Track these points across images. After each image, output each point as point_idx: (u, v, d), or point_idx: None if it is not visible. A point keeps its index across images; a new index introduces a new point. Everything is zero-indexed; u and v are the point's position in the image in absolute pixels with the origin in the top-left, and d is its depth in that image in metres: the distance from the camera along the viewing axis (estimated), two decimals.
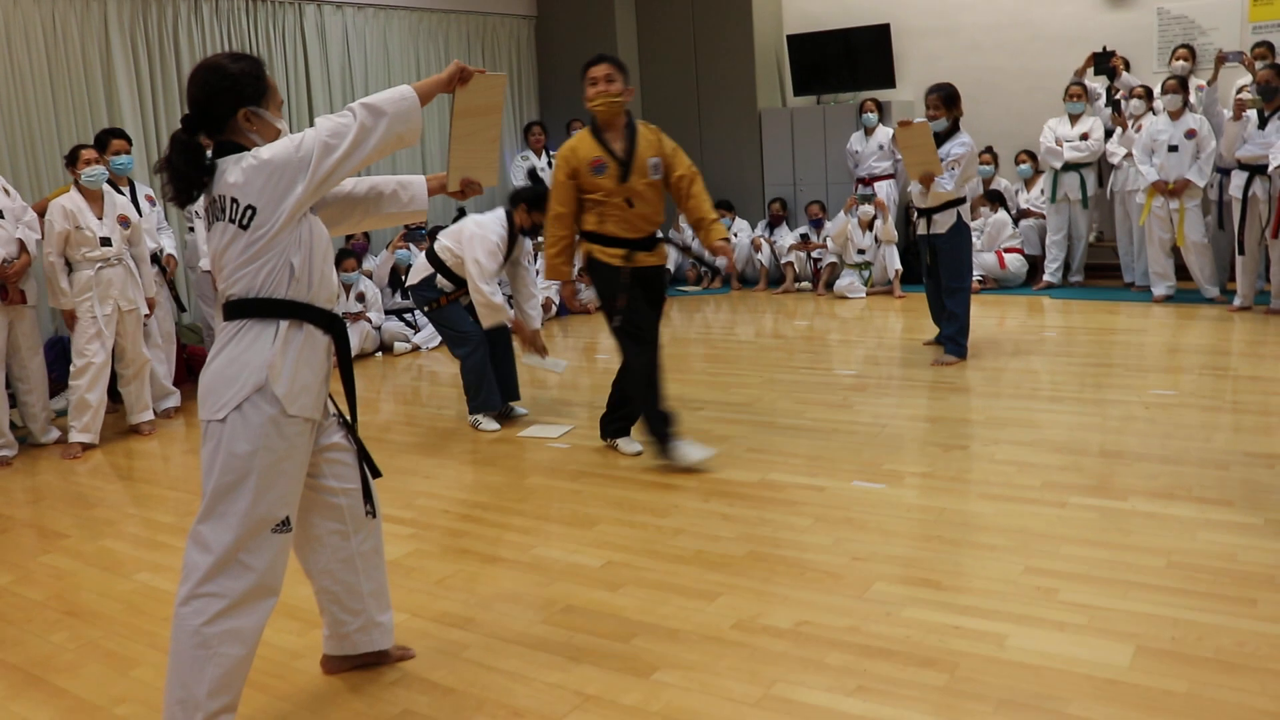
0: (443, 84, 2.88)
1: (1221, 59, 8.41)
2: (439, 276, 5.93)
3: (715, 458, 4.96)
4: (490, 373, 5.94)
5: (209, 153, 2.68)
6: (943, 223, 6.69)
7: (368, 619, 3.03)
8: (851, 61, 10.64)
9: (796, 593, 3.48)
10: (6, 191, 5.96)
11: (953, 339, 6.80)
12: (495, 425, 5.90)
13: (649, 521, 4.21)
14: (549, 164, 10.12)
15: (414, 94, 2.74)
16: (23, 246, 5.87)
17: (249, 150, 2.63)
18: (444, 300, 5.96)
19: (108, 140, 6.46)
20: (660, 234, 5.03)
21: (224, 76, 2.65)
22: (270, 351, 2.60)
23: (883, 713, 2.73)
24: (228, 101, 2.65)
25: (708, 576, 3.65)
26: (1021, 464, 4.65)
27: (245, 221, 2.58)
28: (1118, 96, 8.93)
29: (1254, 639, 2.97)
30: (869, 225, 9.60)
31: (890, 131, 9.81)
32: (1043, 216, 9.44)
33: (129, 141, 6.58)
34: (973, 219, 8.68)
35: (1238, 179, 7.65)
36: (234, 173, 2.58)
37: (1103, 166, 9.16)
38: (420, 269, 6.05)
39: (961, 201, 6.70)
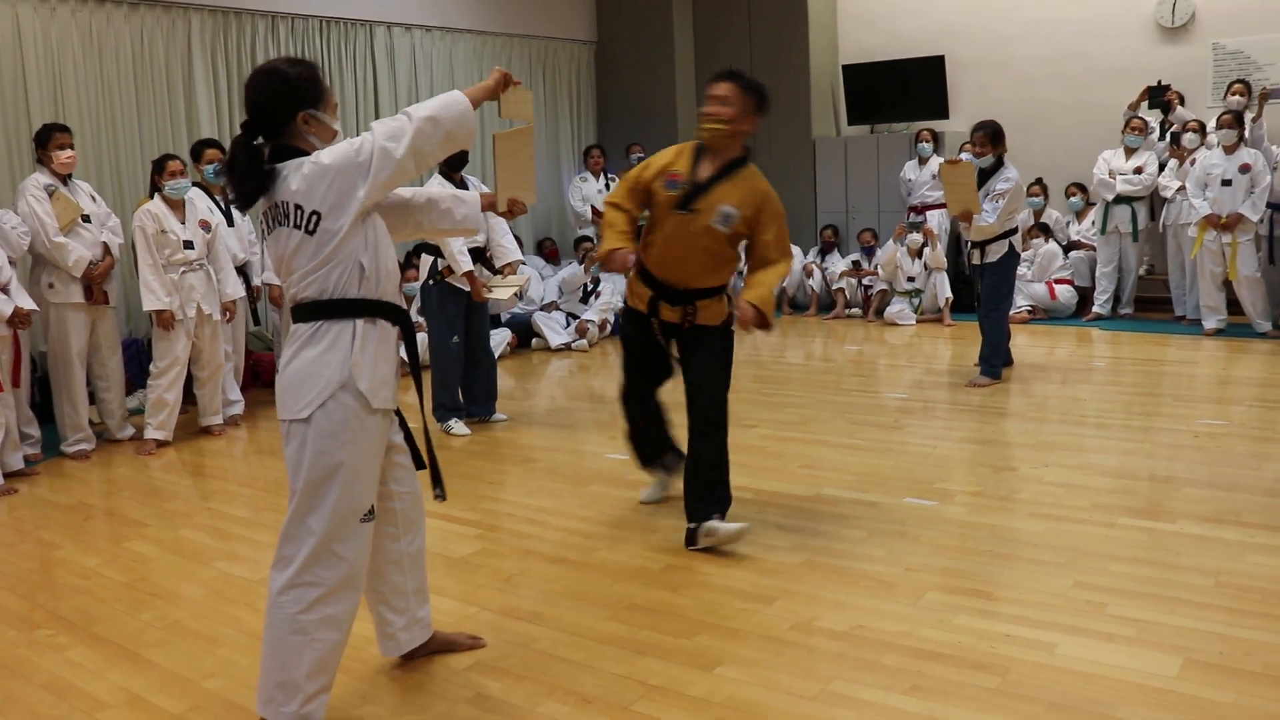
0: (490, 90, 2.97)
1: (1265, 95, 8.46)
2: (432, 257, 6.17)
3: (771, 470, 5.08)
4: (458, 375, 6.20)
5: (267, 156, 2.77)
6: (995, 253, 6.82)
7: (411, 616, 3.16)
8: (905, 92, 10.76)
9: (851, 599, 3.60)
10: (94, 198, 6.23)
11: (986, 359, 6.94)
12: (465, 430, 6.15)
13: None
14: (607, 186, 10.32)
15: (465, 98, 2.83)
16: (107, 249, 6.13)
17: (308, 155, 2.71)
18: (446, 273, 6.12)
19: (202, 150, 6.71)
20: (707, 293, 4.26)
21: (283, 80, 2.74)
22: (351, 349, 2.72)
23: (938, 710, 2.84)
24: (287, 105, 2.73)
25: (765, 581, 3.77)
26: (1070, 486, 4.73)
27: (312, 227, 2.67)
28: (1173, 129, 8.98)
29: None
30: (919, 253, 9.70)
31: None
32: (1093, 248, 9.49)
33: (223, 151, 6.81)
34: (1024, 250, 8.75)
35: None
36: (296, 179, 2.67)
37: (1155, 200, 9.20)
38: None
39: (1013, 233, 6.83)
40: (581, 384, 7.80)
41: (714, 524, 4.06)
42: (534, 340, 9.06)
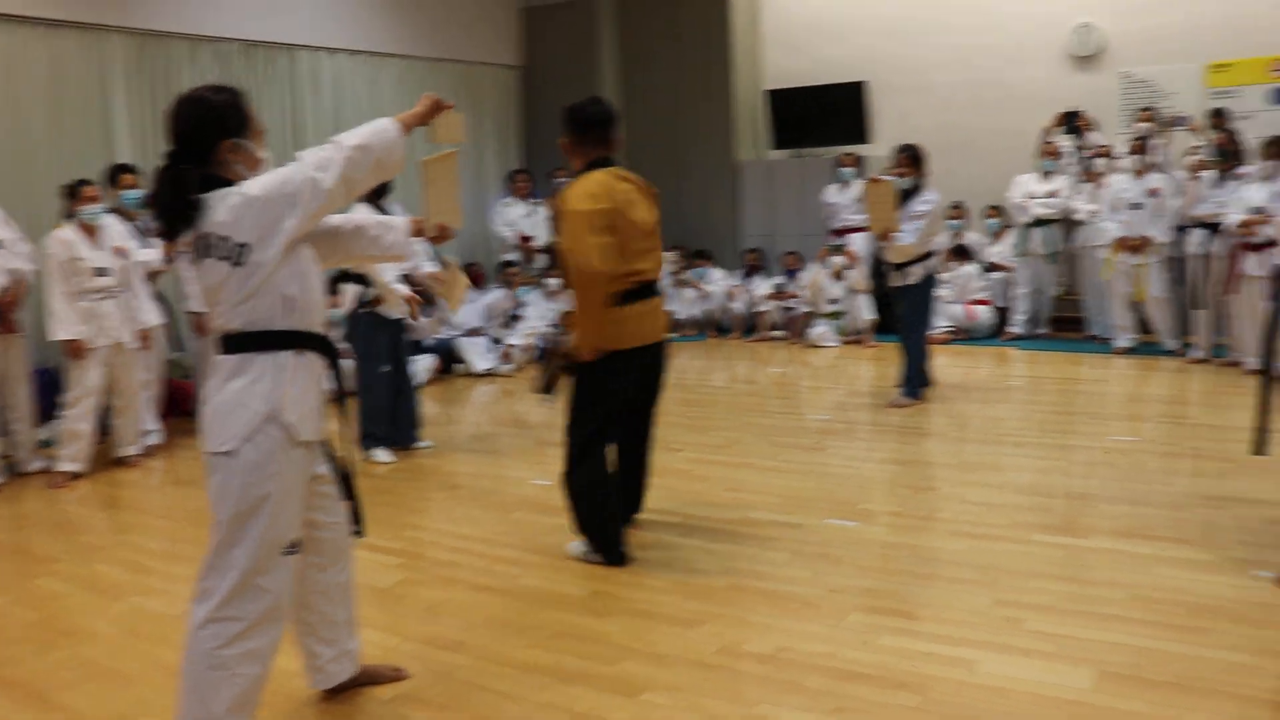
0: (420, 116, 2.93)
1: (1172, 122, 8.75)
2: (359, 286, 6.09)
3: (696, 494, 5.11)
4: (388, 404, 6.17)
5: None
6: (914, 276, 6.94)
7: (340, 648, 3.13)
8: (828, 117, 10.94)
9: (776, 621, 3.62)
10: (4, 223, 6.07)
11: (906, 380, 7.07)
12: (390, 457, 6.11)
13: (634, 554, 4.34)
14: (534, 210, 10.32)
15: (395, 125, 2.80)
16: (17, 276, 5.97)
17: (235, 185, 2.68)
18: (376, 302, 6.06)
19: (118, 175, 6.59)
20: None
21: (207, 108, 2.71)
22: (278, 381, 2.69)
23: None
24: (211, 133, 2.69)
25: (691, 605, 3.79)
26: (989, 504, 4.82)
27: (239, 259, 2.63)
28: (1086, 155, 9.24)
29: (1207, 664, 3.14)
30: (841, 275, 9.83)
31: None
32: (1011, 270, 9.70)
33: (139, 176, 6.68)
34: (943, 272, 8.92)
35: (1196, 236, 7.94)
36: (222, 210, 2.63)
37: (1069, 222, 9.44)
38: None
39: (930, 256, 6.96)
40: (506, 409, 7.77)
41: (572, 544, 4.34)
42: (457, 365, 9.00)
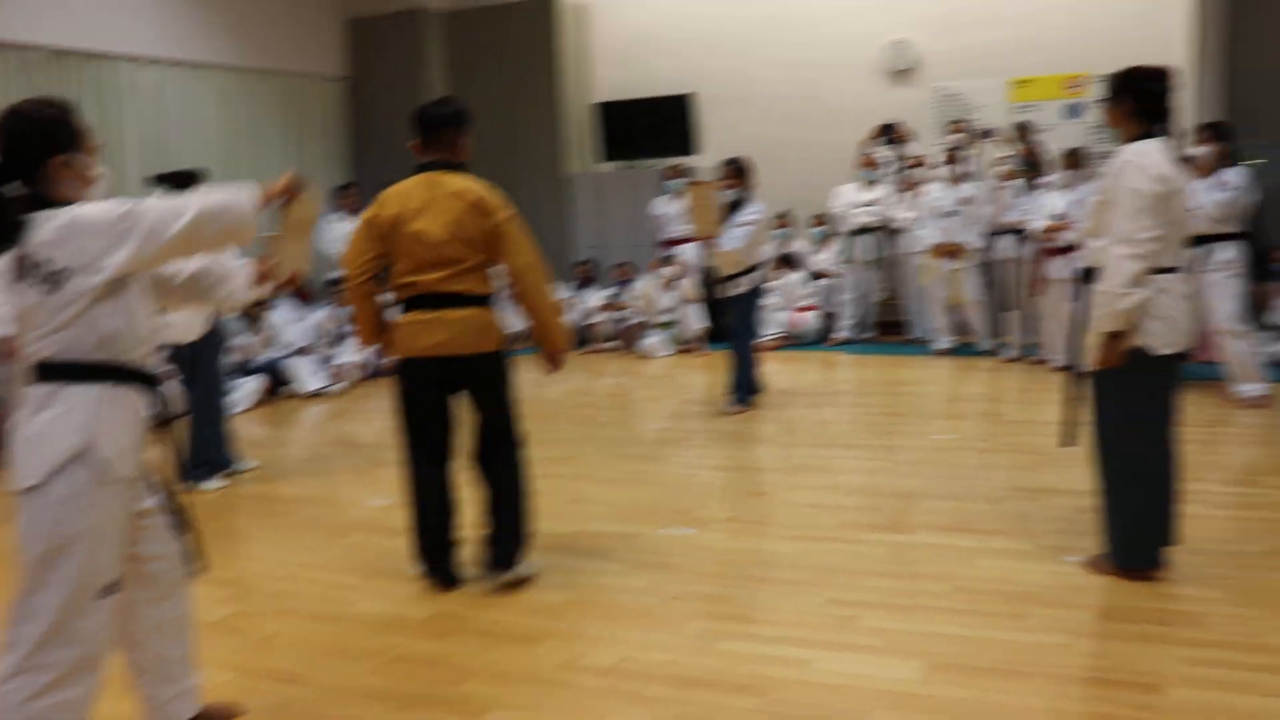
0: (277, 194, 2.88)
1: (982, 134, 9.23)
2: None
3: (537, 509, 5.09)
4: (221, 430, 6.00)
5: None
6: (742, 285, 7.11)
7: (180, 687, 2.98)
8: (656, 129, 11.11)
9: (616, 633, 3.65)
10: None
11: (736, 388, 7.22)
12: (223, 483, 5.93)
13: (471, 574, 4.29)
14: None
15: (255, 198, 2.72)
16: None
17: (64, 205, 2.56)
18: None
19: None
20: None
21: (32, 123, 2.58)
22: (90, 414, 2.56)
23: None
24: (37, 149, 2.57)
25: (531, 622, 3.78)
26: (820, 506, 4.97)
27: (59, 282, 2.50)
28: (903, 165, 9.64)
29: (1026, 648, 3.32)
30: (672, 285, 9.98)
31: None
32: (836, 277, 10.03)
33: None
34: (770, 281, 9.15)
35: (1005, 242, 8.38)
36: (46, 231, 2.50)
37: (890, 230, 9.82)
38: None
39: (757, 267, 7.15)
40: (336, 429, 7.60)
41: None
42: (284, 387, 8.75)
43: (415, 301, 4.01)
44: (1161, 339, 3.62)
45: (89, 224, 2.52)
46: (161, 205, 2.59)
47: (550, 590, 4.07)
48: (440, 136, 4.15)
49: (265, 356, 8.60)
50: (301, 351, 8.97)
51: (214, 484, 5.86)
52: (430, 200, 4.00)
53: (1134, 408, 3.71)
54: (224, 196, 2.67)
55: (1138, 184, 3.52)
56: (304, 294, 9.83)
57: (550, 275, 4.39)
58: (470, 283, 4.02)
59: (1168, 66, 3.78)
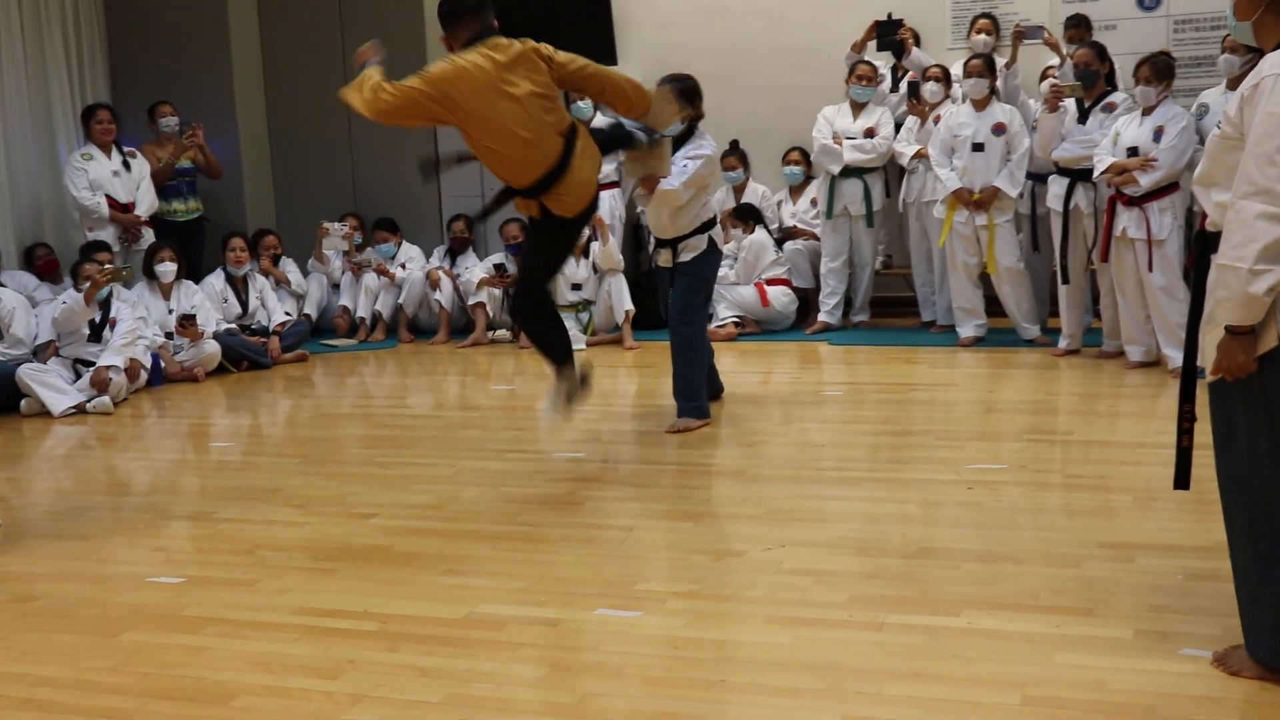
0: None
1: (1020, 35, 9.20)
2: None
3: (400, 586, 4.88)
4: None
5: None
6: (690, 250, 6.96)
7: None
8: (557, 27, 10.87)
9: None
10: None
11: (684, 393, 7.13)
12: None
13: (314, 688, 4.03)
14: (125, 166, 9.84)
15: None
16: None
17: None
18: None
19: None
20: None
21: None
22: None
23: None
24: None
25: None
26: (817, 573, 4.81)
27: None
28: (911, 79, 9.54)
29: None
30: (584, 251, 9.78)
31: (605, 120, 10.09)
32: (815, 237, 9.93)
33: None
34: (724, 243, 9.02)
35: (1056, 187, 8.35)
36: None
37: (891, 171, 9.74)
38: None
39: (712, 224, 7.02)
40: (105, 464, 7.28)
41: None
42: (24, 402, 8.38)
43: None
44: None
45: None
46: None
47: (430, 711, 3.83)
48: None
49: None
50: (39, 354, 8.60)
51: None
52: None
53: (1264, 436, 3.58)
54: None
55: None
56: (46, 266, 9.50)
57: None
58: None
59: None
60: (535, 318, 6.55)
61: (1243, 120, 3.50)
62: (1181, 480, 3.89)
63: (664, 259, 7.18)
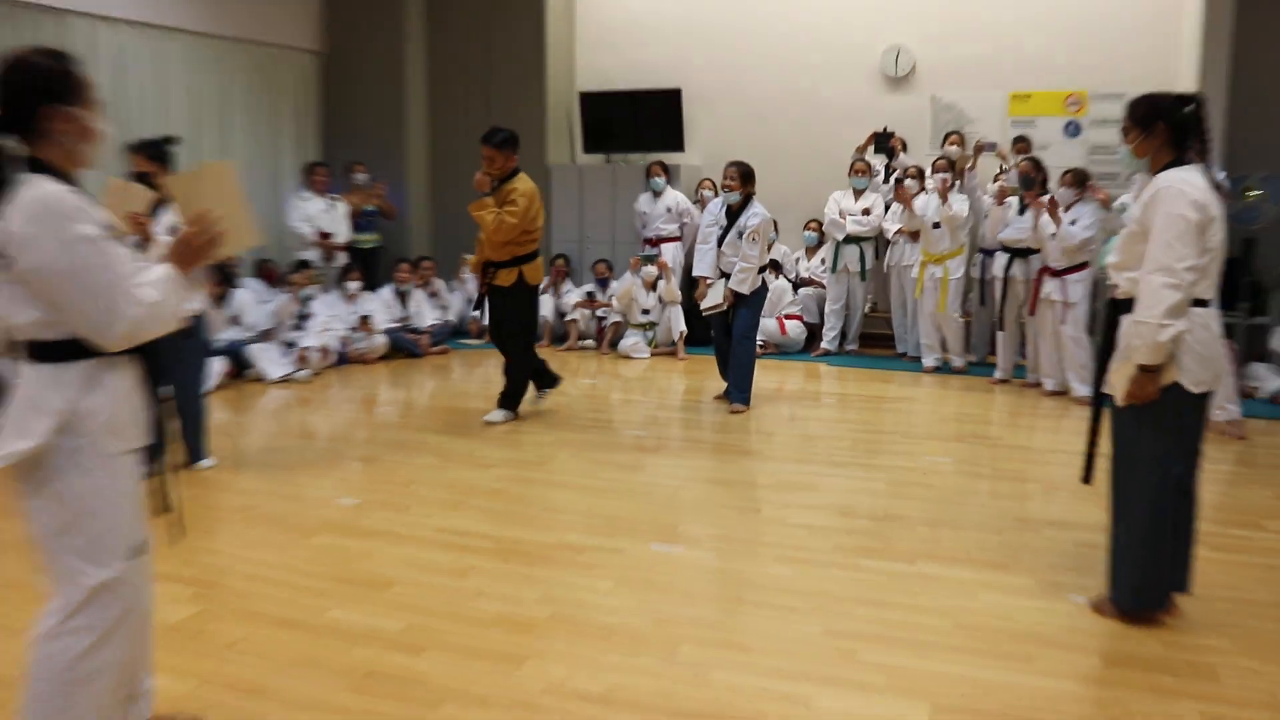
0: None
1: (980, 148, 9.20)
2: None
3: (511, 515, 5.00)
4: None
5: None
6: (749, 285, 7.27)
7: (133, 688, 2.86)
8: (641, 123, 10.99)
9: (604, 656, 3.54)
10: None
11: (740, 388, 7.37)
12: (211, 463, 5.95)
13: (447, 583, 4.18)
14: (329, 205, 9.98)
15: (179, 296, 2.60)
16: None
17: (57, 168, 2.50)
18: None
19: None
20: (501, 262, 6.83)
21: (29, 71, 2.51)
22: (78, 389, 2.50)
23: None
24: (34, 99, 2.49)
25: (513, 639, 3.66)
26: (811, 527, 4.89)
27: (8, 266, 2.44)
28: (896, 175, 9.58)
29: (1034, 693, 3.25)
30: (653, 286, 9.88)
31: (678, 196, 10.18)
32: (823, 285, 9.97)
33: None
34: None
35: (1000, 260, 8.35)
36: (14, 207, 2.42)
37: (879, 240, 9.77)
38: None
39: (766, 268, 7.25)
40: (300, 419, 7.43)
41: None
42: (247, 370, 8.57)
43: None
44: (1195, 376, 3.54)
45: (22, 235, 2.41)
46: (104, 281, 2.44)
47: (531, 605, 3.96)
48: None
49: (227, 338, 8.41)
50: (265, 336, 8.78)
51: (206, 463, 5.79)
52: None
53: (1160, 446, 3.63)
54: (154, 298, 2.52)
55: (1179, 210, 3.44)
56: (270, 274, 9.66)
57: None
58: None
59: (1200, 94, 3.73)
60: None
61: (1144, 216, 3.57)
62: (1087, 477, 3.95)
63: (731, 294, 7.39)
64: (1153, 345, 3.45)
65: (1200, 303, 3.55)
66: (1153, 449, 3.64)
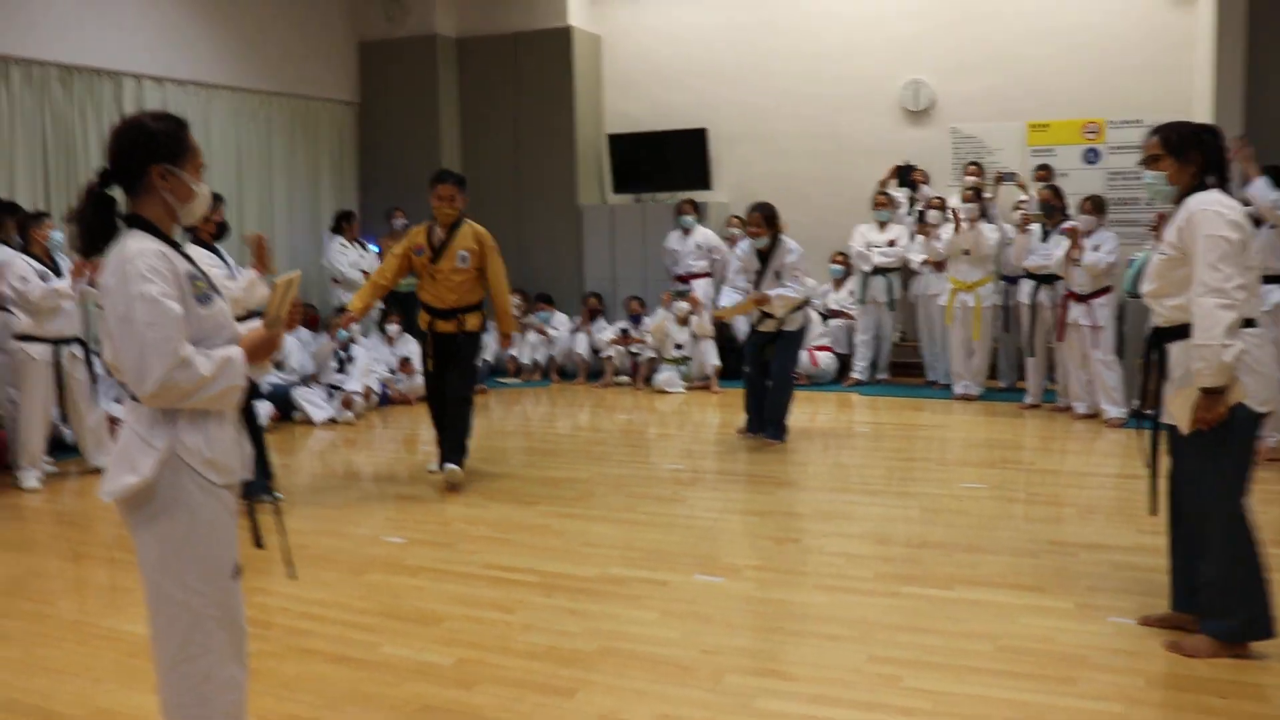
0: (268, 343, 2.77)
1: (999, 178, 9.20)
2: None
3: (554, 550, 5.01)
4: None
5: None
6: (794, 322, 7.33)
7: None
8: (669, 162, 11.06)
9: (652, 686, 3.54)
10: None
11: (777, 423, 7.35)
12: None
13: (497, 618, 4.20)
14: (362, 254, 10.10)
15: (237, 369, 2.60)
16: None
17: (155, 225, 2.60)
18: None
19: None
20: (467, 309, 6.45)
21: (141, 131, 2.63)
22: (185, 424, 2.57)
23: None
24: (141, 156, 2.60)
25: (563, 672, 3.67)
26: (850, 555, 4.87)
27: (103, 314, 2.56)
28: (919, 208, 9.59)
29: (1078, 715, 3.23)
30: (685, 321, 9.91)
31: (707, 233, 10.22)
32: (852, 317, 9.97)
33: None
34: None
35: (1026, 287, 8.33)
36: (104, 266, 2.54)
37: (906, 271, 9.77)
38: None
39: (804, 304, 7.34)
40: (347, 459, 7.49)
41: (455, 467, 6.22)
42: (295, 414, 8.64)
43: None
44: (1259, 396, 3.49)
45: (109, 289, 2.51)
46: (146, 339, 2.46)
47: (579, 638, 3.97)
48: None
49: (272, 382, 8.50)
50: (307, 381, 8.86)
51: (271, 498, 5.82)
52: None
53: (1230, 471, 3.54)
54: (202, 374, 2.52)
55: (1219, 232, 3.41)
56: (313, 320, 9.76)
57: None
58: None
59: (1217, 126, 3.73)
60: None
61: (1181, 241, 3.54)
62: (1154, 507, 3.86)
63: (768, 326, 7.36)
64: (1217, 366, 3.39)
65: (1249, 322, 3.51)
66: (1221, 475, 3.56)
